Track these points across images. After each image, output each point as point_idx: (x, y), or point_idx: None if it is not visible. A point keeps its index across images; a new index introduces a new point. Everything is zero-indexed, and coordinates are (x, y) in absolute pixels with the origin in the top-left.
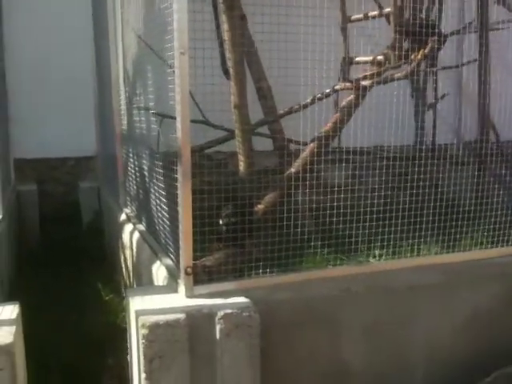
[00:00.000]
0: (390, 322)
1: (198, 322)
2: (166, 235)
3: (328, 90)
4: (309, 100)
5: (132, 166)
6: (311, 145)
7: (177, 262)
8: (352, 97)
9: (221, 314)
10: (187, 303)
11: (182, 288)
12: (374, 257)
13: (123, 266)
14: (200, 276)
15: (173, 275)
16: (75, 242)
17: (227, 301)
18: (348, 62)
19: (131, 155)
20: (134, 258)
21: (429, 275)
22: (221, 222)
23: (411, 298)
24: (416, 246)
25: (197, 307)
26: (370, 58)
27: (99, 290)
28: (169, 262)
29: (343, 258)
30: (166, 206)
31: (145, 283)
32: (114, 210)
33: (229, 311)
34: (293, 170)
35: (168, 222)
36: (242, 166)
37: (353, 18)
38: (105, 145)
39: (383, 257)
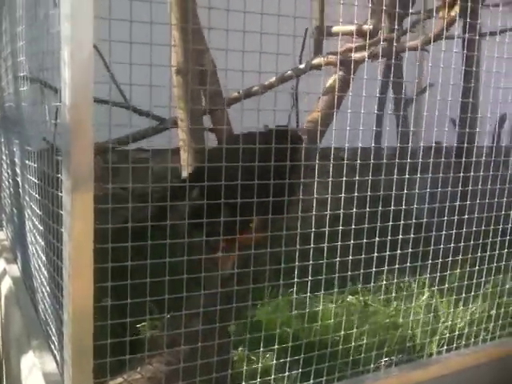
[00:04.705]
0: None
1: None
2: (45, 306)
3: (302, 66)
4: (273, 79)
5: (8, 166)
6: None
7: (61, 374)
8: (339, 74)
9: None
10: None
11: None
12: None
13: None
14: None
15: None
16: None
17: None
18: (320, 33)
19: (6, 149)
20: (3, 325)
21: None
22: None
23: None
24: None
25: None
26: (353, 27)
27: None
28: (50, 364)
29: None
30: (43, 251)
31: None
32: None
33: None
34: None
35: (47, 287)
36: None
37: None
38: None
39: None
